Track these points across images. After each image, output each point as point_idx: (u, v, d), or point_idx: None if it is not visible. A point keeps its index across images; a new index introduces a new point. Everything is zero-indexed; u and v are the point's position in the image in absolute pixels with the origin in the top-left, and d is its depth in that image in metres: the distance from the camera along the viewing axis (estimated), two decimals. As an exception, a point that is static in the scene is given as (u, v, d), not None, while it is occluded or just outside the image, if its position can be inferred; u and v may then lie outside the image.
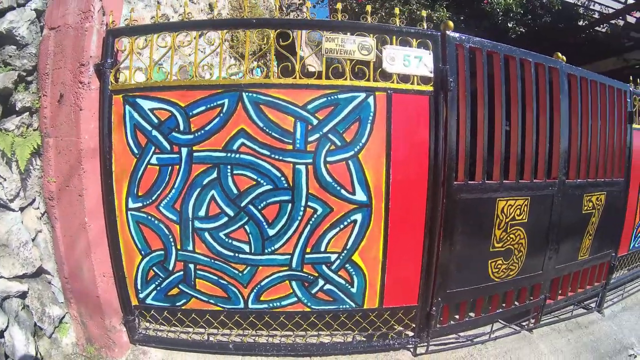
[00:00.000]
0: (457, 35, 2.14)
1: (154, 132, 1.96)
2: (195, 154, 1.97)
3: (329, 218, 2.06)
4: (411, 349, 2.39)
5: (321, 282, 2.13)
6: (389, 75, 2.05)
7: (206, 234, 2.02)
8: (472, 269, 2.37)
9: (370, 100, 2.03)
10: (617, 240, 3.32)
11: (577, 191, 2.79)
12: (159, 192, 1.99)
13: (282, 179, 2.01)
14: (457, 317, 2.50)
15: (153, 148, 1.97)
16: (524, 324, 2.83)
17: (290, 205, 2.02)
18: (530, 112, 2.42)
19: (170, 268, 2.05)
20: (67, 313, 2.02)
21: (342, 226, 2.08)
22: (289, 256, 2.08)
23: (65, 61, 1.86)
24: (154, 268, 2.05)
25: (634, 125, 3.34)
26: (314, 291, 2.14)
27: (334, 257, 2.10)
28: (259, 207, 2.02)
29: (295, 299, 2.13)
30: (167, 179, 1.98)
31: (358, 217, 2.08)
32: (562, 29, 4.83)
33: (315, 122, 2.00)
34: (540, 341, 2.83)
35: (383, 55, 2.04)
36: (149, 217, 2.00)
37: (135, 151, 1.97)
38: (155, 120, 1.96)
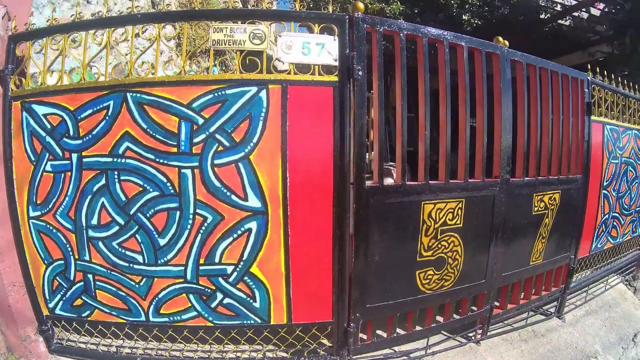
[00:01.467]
0: (368, 17, 1.22)
1: (47, 138, 1.30)
2: (84, 159, 1.28)
3: (220, 227, 1.25)
4: None
5: (220, 295, 1.29)
6: (303, 67, 1.18)
7: (100, 244, 1.30)
8: (396, 281, 1.42)
9: (263, 94, 1.20)
10: (576, 242, 2.13)
11: (525, 190, 1.72)
12: (54, 200, 1.31)
13: (168, 184, 1.22)
14: (384, 333, 1.51)
15: (47, 155, 1.31)
16: (470, 335, 1.74)
17: (178, 213, 1.24)
18: (464, 103, 1.40)
19: (71, 278, 1.36)
20: (-13, 321, 1.34)
21: (235, 235, 1.24)
22: (182, 267, 1.29)
23: (-35, 69, 1.23)
24: (57, 278, 1.38)
25: (593, 117, 2.11)
26: (213, 305, 1.31)
27: (230, 269, 1.27)
28: (148, 215, 1.26)
29: (195, 312, 1.32)
30: (60, 187, 1.31)
31: (253, 225, 1.23)
32: (523, 22, 3.44)
33: (200, 121, 1.21)
34: (488, 354, 1.73)
35: (278, 43, 1.20)
36: (48, 226, 1.34)
37: (32, 158, 1.32)
38: (48, 126, 1.30)
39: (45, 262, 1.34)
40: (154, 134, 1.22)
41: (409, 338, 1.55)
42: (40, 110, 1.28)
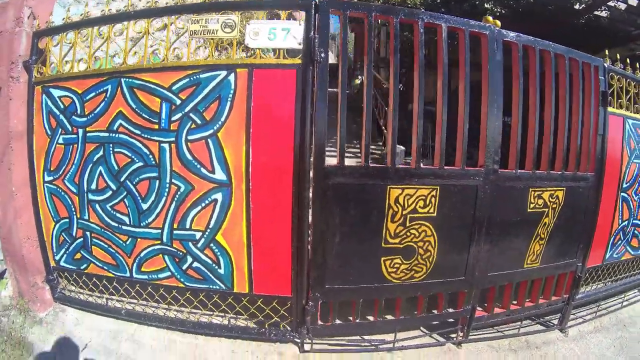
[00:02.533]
0: (334, 1, 1.32)
1: (61, 116, 1.61)
2: (88, 134, 1.55)
3: (191, 196, 1.43)
4: (298, 344, 1.52)
5: (189, 259, 1.48)
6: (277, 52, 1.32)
7: (97, 206, 1.57)
8: (359, 265, 1.47)
9: (231, 77, 1.36)
10: (584, 248, 1.95)
11: (518, 184, 1.63)
12: (64, 167, 1.62)
13: (150, 156, 1.45)
14: (349, 317, 1.55)
15: (60, 130, 1.61)
16: (453, 335, 1.70)
17: (157, 181, 1.46)
18: (441, 86, 1.40)
19: (74, 234, 1.65)
20: (6, 269, 1.70)
21: (203, 204, 1.42)
22: (160, 230, 1.50)
23: (2, 60, 1.59)
24: (63, 234, 1.68)
25: (610, 109, 1.91)
26: (184, 267, 1.50)
27: (198, 235, 1.45)
28: (134, 183, 1.50)
29: (169, 273, 1.52)
30: (69, 156, 1.61)
31: (218, 196, 1.39)
32: (553, 13, 3.12)
33: (178, 102, 1.41)
34: (468, 359, 1.63)
35: (246, 30, 1.33)
36: (58, 189, 1.64)
37: (49, 132, 1.64)
38: (62, 106, 1.61)
39: (55, 219, 1.66)
40: (141, 113, 1.45)
41: (374, 327, 1.58)
42: (56, 93, 1.59)
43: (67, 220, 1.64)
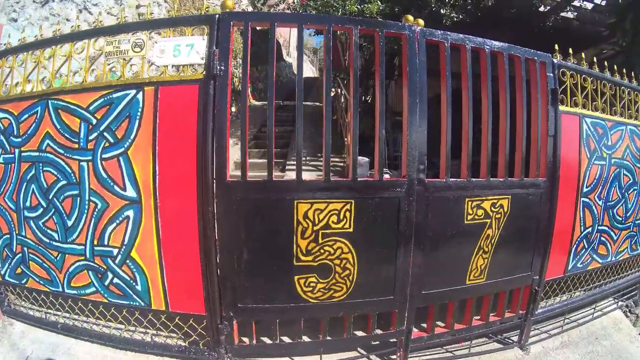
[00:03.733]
0: (236, 14, 1.37)
1: (1, 137, 1.73)
2: (22, 154, 1.70)
3: (107, 213, 1.53)
4: None
5: (110, 275, 1.57)
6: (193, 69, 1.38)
7: (31, 222, 1.72)
8: (271, 284, 1.49)
9: (140, 96, 1.45)
10: (540, 260, 1.85)
11: (450, 194, 1.58)
12: (4, 185, 1.77)
13: (72, 175, 1.57)
14: (268, 339, 1.58)
15: (1, 150, 1.73)
16: (393, 357, 1.69)
17: (79, 199, 1.57)
18: (351, 91, 1.40)
19: (14, 250, 1.80)
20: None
21: (118, 221, 1.51)
22: (83, 246, 1.61)
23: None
24: (5, 249, 1.84)
25: (563, 108, 1.81)
26: (106, 283, 1.60)
27: (115, 251, 1.54)
28: (60, 200, 1.63)
29: (94, 288, 1.63)
30: (8, 175, 1.76)
31: (130, 213, 1.48)
32: (518, 16, 3.05)
33: (94, 121, 1.52)
34: None
35: (153, 49, 1.40)
36: (0, 206, 1.74)
37: None
38: (2, 127, 1.74)
39: (-1, 235, 1.84)
40: (64, 133, 1.57)
41: (296, 348, 1.57)
42: (-2, 115, 1.78)
43: (8, 236, 1.78)
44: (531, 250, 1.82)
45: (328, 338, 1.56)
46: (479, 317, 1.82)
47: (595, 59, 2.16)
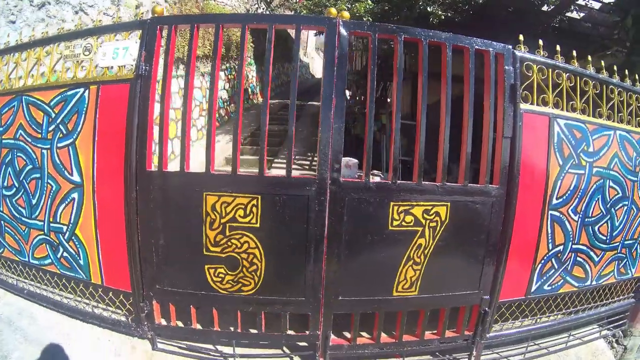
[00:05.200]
0: (165, 17, 1.60)
1: None
2: (3, 140, 2.09)
3: (59, 194, 1.86)
4: (152, 341, 1.79)
5: (61, 249, 1.91)
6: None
7: (7, 200, 2.12)
8: (185, 271, 1.69)
9: (86, 93, 1.75)
10: (491, 278, 1.80)
11: (371, 197, 1.61)
12: None
13: (36, 160, 1.93)
14: (188, 322, 1.76)
15: None
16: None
17: (40, 181, 1.92)
18: (267, 85, 1.52)
19: None
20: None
21: (66, 202, 1.83)
22: (42, 222, 1.95)
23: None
24: None
25: (526, 106, 1.73)
26: (59, 256, 1.94)
27: (65, 228, 1.87)
28: (27, 181, 2.00)
29: (50, 260, 1.97)
30: None
31: (75, 195, 1.79)
32: (516, 16, 2.87)
33: (53, 115, 1.86)
34: None
35: (98, 52, 1.68)
36: None
37: None
38: None
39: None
40: (31, 124, 1.92)
41: (210, 336, 1.73)
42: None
43: (-9, 211, 2.27)
44: (479, 267, 1.76)
45: (244, 331, 1.69)
46: (412, 334, 1.80)
47: (590, 58, 1.97)
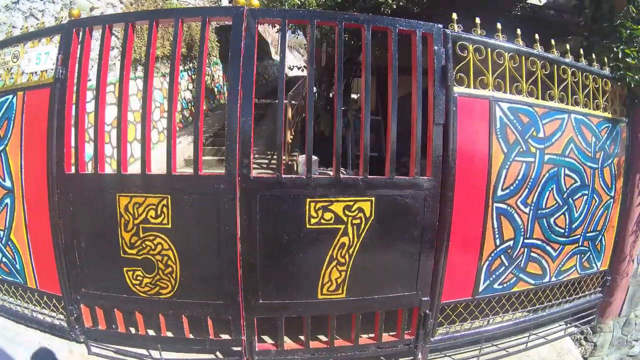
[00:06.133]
0: (81, 20, 1.59)
1: None
2: None
3: None
4: (87, 345, 1.74)
5: (1, 254, 1.86)
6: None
7: None
8: (106, 274, 1.65)
9: (14, 100, 1.77)
10: (429, 278, 1.66)
11: (284, 193, 1.51)
12: None
13: (-21, 167, 1.91)
14: (114, 326, 1.70)
15: None
16: None
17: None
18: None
19: None
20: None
21: (1, 207, 1.79)
22: None
23: None
24: None
25: (462, 89, 1.60)
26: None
27: (1, 233, 1.84)
28: None
29: (-5, 265, 1.94)
30: None
31: (8, 201, 1.79)
32: (472, 3, 2.68)
33: None
34: None
35: (24, 58, 1.68)
36: None
37: None
38: None
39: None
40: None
41: (135, 340, 1.67)
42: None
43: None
44: (415, 266, 1.62)
45: (168, 336, 1.63)
46: (346, 339, 1.66)
47: (553, 42, 1.79)
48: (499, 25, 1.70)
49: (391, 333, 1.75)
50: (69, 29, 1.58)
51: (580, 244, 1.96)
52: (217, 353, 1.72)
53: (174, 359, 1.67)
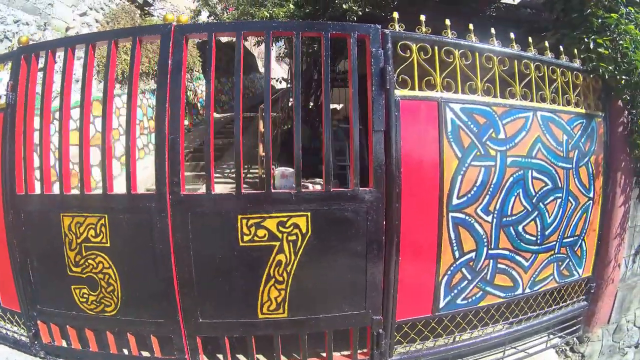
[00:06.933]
0: (28, 47, 1.64)
1: None
2: None
3: None
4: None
5: None
6: None
7: None
8: (56, 291, 1.64)
9: None
10: (379, 296, 1.53)
11: (215, 210, 1.45)
12: None
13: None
14: (68, 342, 1.67)
15: None
16: None
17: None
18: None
19: None
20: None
21: None
22: None
23: None
24: None
25: (402, 92, 1.50)
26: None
27: None
28: None
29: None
30: None
31: None
32: (446, 3, 2.53)
33: None
34: None
35: None
36: None
37: None
38: None
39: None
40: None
41: (86, 355, 1.64)
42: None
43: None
44: (362, 284, 1.51)
45: (117, 353, 1.61)
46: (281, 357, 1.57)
47: (530, 40, 1.63)
48: (447, 22, 1.57)
49: (345, 353, 1.64)
50: (17, 56, 1.63)
51: (556, 251, 1.78)
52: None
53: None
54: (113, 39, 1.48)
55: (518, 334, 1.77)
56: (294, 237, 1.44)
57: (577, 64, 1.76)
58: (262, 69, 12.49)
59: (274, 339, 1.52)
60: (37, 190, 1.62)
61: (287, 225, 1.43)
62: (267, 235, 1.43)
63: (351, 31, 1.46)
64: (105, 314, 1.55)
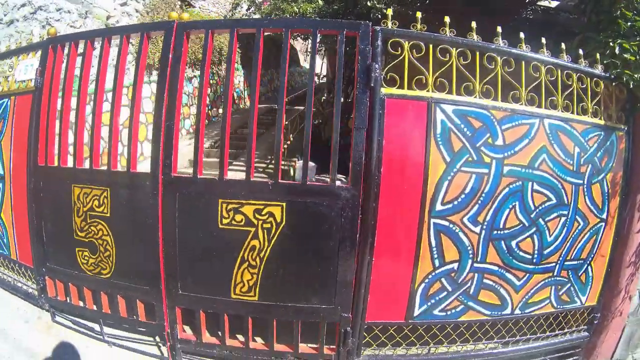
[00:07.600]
0: (57, 38, 2.29)
1: None
2: None
3: None
4: (52, 314, 2.51)
5: None
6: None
7: None
8: (63, 252, 2.33)
9: (8, 103, 2.60)
10: (349, 294, 1.92)
11: (199, 192, 1.97)
12: None
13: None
14: (69, 298, 2.39)
15: None
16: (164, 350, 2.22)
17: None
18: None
19: None
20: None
21: None
22: None
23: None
24: None
25: (389, 91, 1.84)
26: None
27: None
28: None
29: (-7, 240, 2.85)
30: None
31: (0, 185, 2.59)
32: (476, 4, 2.76)
33: None
34: None
35: (17, 68, 2.51)
36: None
37: None
38: None
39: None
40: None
41: (84, 313, 2.32)
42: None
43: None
44: (333, 279, 1.90)
45: (109, 313, 2.25)
46: (262, 342, 2.05)
47: (563, 46, 1.89)
48: (446, 19, 1.87)
49: (312, 345, 2.08)
50: (46, 45, 2.31)
51: (555, 273, 2.00)
52: (147, 335, 2.30)
53: (115, 334, 2.31)
54: (124, 34, 2.08)
55: (503, 356, 2.04)
56: (268, 225, 1.90)
57: (598, 70, 1.92)
58: (303, 63, 13.51)
59: (244, 320, 2.02)
60: (56, 163, 2.32)
61: (262, 213, 1.90)
62: (243, 221, 1.91)
63: (342, 29, 1.85)
64: (102, 276, 2.18)
